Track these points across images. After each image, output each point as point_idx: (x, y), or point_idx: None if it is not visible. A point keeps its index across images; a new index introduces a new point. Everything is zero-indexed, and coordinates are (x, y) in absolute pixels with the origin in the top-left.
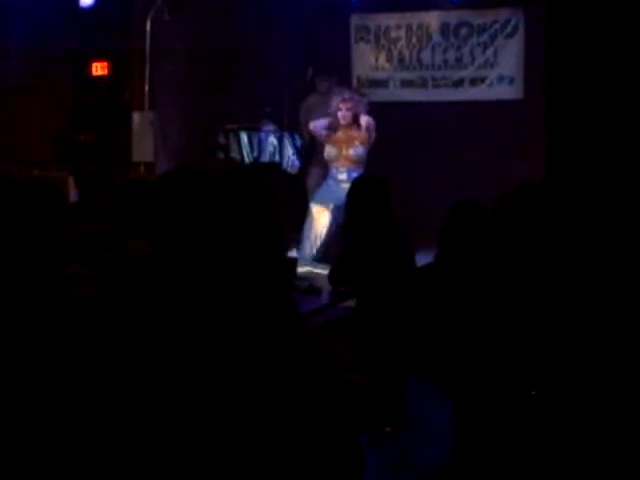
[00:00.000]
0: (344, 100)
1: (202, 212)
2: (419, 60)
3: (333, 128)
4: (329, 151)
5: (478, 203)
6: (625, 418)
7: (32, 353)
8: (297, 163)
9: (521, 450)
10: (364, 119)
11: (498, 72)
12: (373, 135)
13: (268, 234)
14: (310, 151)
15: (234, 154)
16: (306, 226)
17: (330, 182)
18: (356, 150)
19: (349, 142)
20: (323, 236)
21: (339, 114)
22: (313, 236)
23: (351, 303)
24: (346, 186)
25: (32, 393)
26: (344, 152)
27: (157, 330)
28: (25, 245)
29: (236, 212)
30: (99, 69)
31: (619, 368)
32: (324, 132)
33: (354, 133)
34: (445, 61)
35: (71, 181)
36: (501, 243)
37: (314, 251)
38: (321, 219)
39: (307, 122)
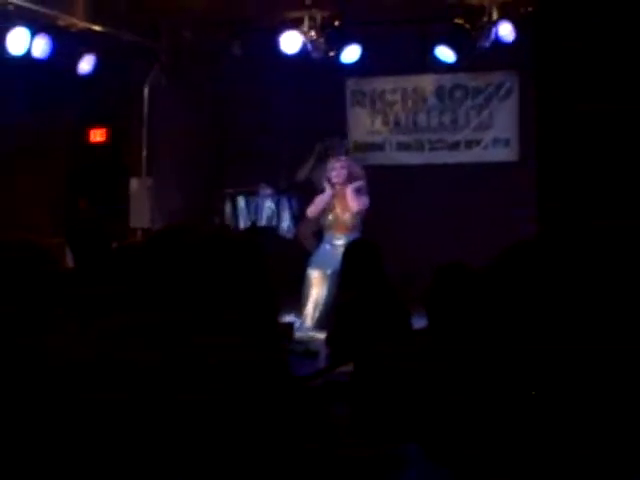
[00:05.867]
0: (338, 160)
1: (183, 277)
2: (415, 123)
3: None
4: (326, 217)
5: (462, 265)
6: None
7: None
8: (293, 228)
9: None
10: (360, 201)
11: (493, 134)
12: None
13: (255, 298)
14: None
15: (229, 219)
16: (303, 291)
17: (327, 246)
18: (352, 215)
19: (345, 207)
20: (322, 302)
21: (333, 174)
22: (311, 302)
23: (348, 367)
24: (343, 250)
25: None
26: (341, 218)
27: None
28: (16, 307)
29: (217, 277)
30: (97, 136)
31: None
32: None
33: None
34: (441, 124)
35: (68, 247)
36: (499, 302)
37: (314, 317)
38: (319, 285)
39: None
